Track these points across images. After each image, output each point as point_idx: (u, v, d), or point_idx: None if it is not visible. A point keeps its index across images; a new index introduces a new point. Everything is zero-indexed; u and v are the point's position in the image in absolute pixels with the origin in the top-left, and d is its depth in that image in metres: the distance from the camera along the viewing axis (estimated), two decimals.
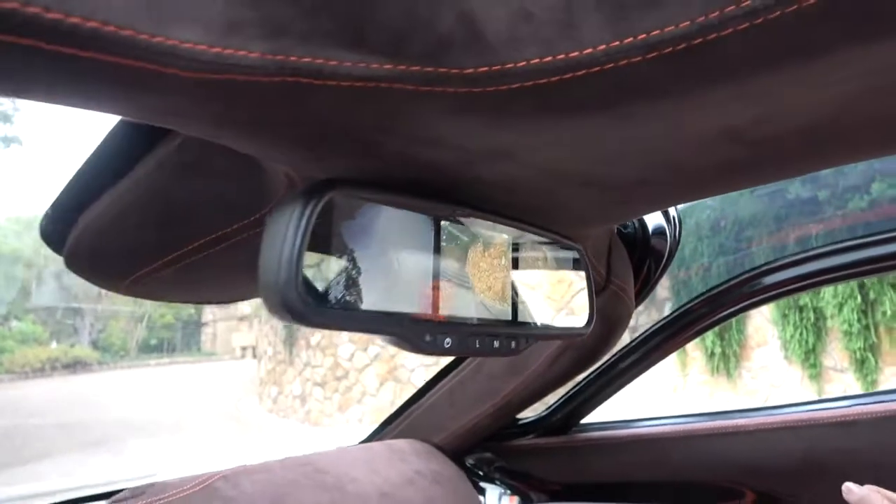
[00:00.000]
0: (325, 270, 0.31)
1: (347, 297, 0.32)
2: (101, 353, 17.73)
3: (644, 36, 0.24)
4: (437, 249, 0.37)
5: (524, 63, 0.25)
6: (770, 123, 0.31)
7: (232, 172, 0.37)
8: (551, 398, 1.09)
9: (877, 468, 0.89)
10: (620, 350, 1.01)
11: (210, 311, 21.97)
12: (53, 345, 16.62)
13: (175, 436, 8.30)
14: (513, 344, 0.42)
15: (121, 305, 19.83)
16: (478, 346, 0.40)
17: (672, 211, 0.77)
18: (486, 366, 0.94)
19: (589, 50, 0.25)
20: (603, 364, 1.03)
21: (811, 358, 5.61)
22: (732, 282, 0.95)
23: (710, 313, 0.96)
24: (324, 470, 0.79)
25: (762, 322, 6.13)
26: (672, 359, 6.60)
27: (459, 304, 0.39)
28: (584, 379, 1.06)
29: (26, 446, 6.71)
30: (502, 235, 0.43)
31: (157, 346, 20.82)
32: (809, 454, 0.92)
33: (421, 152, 0.30)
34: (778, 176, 0.40)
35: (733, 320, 6.06)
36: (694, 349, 6.40)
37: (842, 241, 0.90)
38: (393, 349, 7.69)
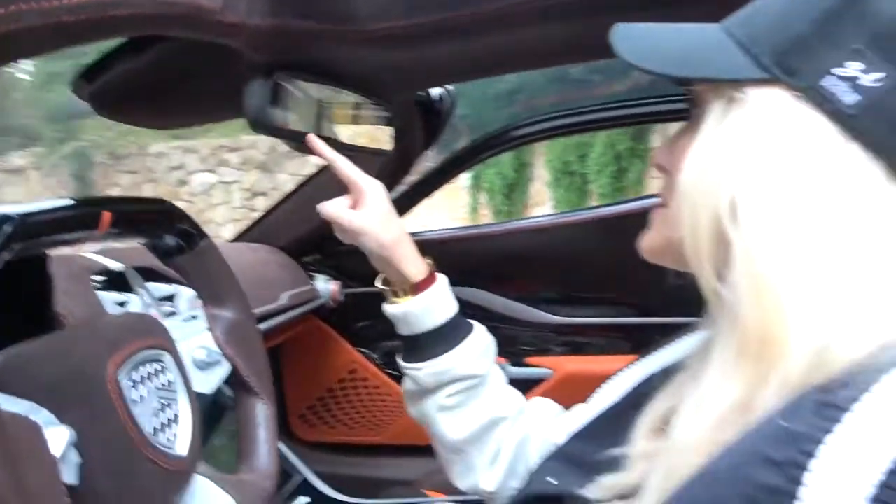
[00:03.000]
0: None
1: (281, 117, 0.70)
2: None
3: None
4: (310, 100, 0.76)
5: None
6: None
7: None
8: None
9: (562, 262, 1.46)
10: (409, 183, 1.46)
11: None
12: None
13: None
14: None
15: None
16: None
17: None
18: (324, 187, 1.35)
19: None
20: (397, 193, 1.47)
21: None
22: (490, 134, 1.43)
23: (472, 156, 1.44)
24: None
25: (541, 186, 7.15)
26: (464, 215, 7.48)
27: (321, 124, 0.78)
28: None
29: None
30: (345, 95, 0.82)
31: None
32: (524, 252, 1.47)
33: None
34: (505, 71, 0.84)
35: (519, 185, 6.96)
36: (483, 208, 7.32)
37: (568, 109, 1.41)
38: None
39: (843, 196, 0.37)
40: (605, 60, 0.70)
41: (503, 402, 0.71)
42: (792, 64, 0.38)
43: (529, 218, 1.49)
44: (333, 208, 0.70)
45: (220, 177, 7.51)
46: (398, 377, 1.55)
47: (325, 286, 1.43)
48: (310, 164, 7.21)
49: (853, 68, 0.37)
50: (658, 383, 0.50)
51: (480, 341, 0.72)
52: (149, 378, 0.51)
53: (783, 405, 0.34)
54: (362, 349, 1.56)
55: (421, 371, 0.69)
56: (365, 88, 0.82)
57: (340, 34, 0.64)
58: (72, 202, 0.48)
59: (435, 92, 1.18)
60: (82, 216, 0.49)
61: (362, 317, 1.55)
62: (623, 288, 1.42)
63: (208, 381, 0.62)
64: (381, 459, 1.58)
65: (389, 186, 1.36)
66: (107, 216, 0.50)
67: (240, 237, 1.47)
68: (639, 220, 0.52)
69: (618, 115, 1.41)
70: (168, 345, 0.55)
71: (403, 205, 1.50)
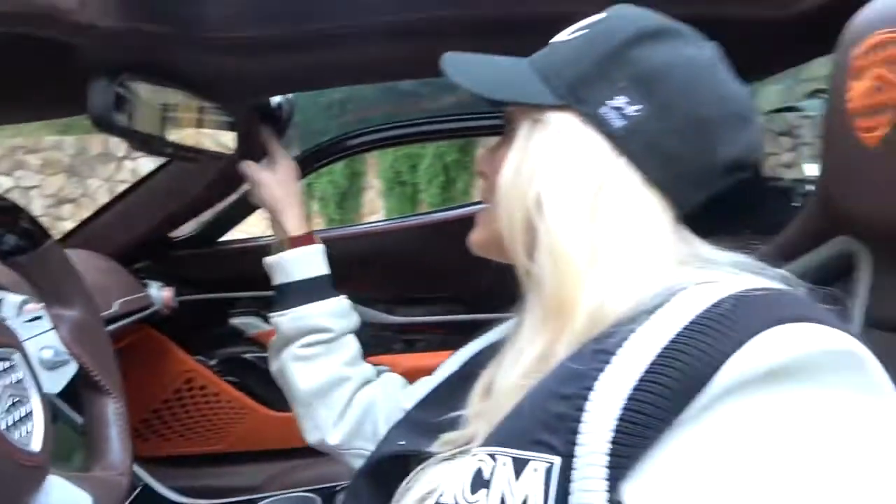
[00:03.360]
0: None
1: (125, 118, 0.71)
2: None
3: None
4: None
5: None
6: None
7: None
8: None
9: (397, 264, 1.54)
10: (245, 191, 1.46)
11: None
12: None
13: None
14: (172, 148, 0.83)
15: None
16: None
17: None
18: (157, 191, 1.31)
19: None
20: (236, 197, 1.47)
21: None
22: (322, 144, 1.48)
23: (305, 165, 1.47)
24: None
25: (374, 195, 7.25)
26: None
27: (166, 127, 0.79)
28: (222, 206, 1.49)
29: None
30: (190, 99, 0.83)
31: None
32: (361, 255, 1.53)
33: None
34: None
35: (352, 194, 7.00)
36: (316, 217, 7.26)
37: (399, 121, 1.50)
38: None
39: (611, 197, 0.49)
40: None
41: (353, 367, 0.81)
42: (580, 94, 0.50)
43: (366, 223, 1.56)
44: (252, 166, 0.88)
45: (17, 181, 6.70)
46: (237, 384, 1.55)
47: (158, 293, 1.39)
48: (124, 170, 6.68)
49: (621, 101, 0.49)
50: (486, 357, 0.60)
51: (340, 305, 0.82)
52: None
53: (570, 353, 0.45)
54: (199, 357, 1.53)
55: (284, 317, 0.80)
56: (209, 94, 0.84)
57: (189, 40, 0.67)
58: None
59: (275, 99, 1.21)
60: None
61: (198, 324, 1.52)
62: (453, 287, 1.54)
63: (57, 381, 0.62)
64: (221, 468, 1.55)
65: (228, 191, 1.36)
66: None
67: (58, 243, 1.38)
68: (466, 224, 0.61)
69: (444, 128, 1.54)
70: (16, 343, 0.54)
71: (238, 212, 1.50)
